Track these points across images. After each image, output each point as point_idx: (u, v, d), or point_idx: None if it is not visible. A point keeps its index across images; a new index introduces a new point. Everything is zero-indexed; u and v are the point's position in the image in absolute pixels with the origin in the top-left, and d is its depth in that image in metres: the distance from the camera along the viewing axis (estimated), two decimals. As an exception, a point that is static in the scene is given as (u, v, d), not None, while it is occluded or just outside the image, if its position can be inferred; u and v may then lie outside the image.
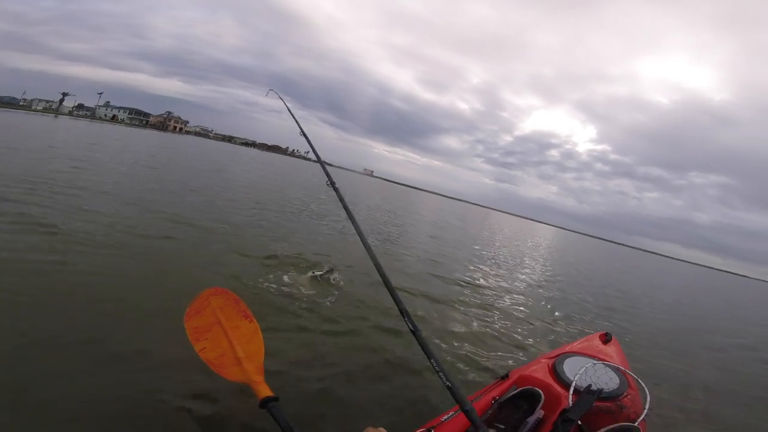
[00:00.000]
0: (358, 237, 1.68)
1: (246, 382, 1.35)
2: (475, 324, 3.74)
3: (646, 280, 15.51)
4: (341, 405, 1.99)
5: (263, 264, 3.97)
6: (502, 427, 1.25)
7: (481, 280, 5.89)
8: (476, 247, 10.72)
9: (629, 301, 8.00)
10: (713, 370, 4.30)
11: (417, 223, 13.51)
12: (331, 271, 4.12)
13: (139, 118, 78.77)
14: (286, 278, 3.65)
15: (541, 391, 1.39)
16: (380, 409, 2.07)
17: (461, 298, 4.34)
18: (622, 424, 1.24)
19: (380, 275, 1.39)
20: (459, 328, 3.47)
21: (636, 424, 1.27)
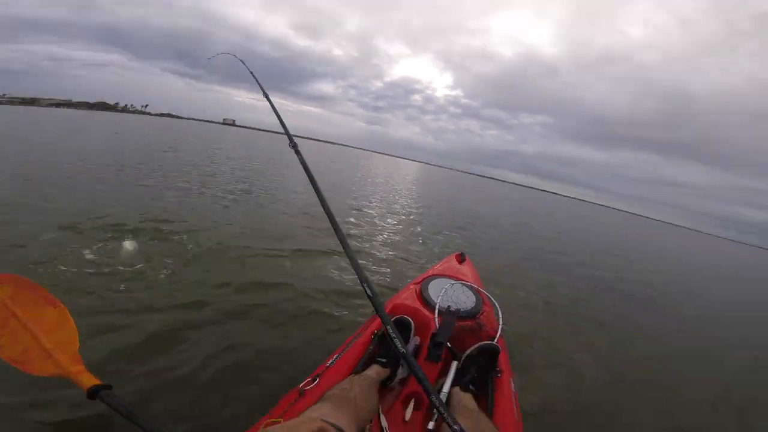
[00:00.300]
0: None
1: (63, 374, 1.21)
2: (350, 270, 3.64)
3: (490, 202, 18.62)
4: (184, 386, 1.69)
5: (70, 239, 2.94)
6: (384, 360, 1.25)
7: (355, 225, 5.83)
8: (353, 188, 10.71)
9: (480, 224, 9.30)
10: (548, 283, 4.90)
11: (288, 170, 12.62)
12: (165, 238, 3.36)
13: None
14: (101, 252, 2.78)
15: (410, 319, 1.39)
16: (230, 384, 1.75)
17: (335, 248, 4.17)
18: (483, 342, 1.29)
19: (341, 242, 1.26)
20: (335, 279, 3.26)
21: (495, 342, 1.34)
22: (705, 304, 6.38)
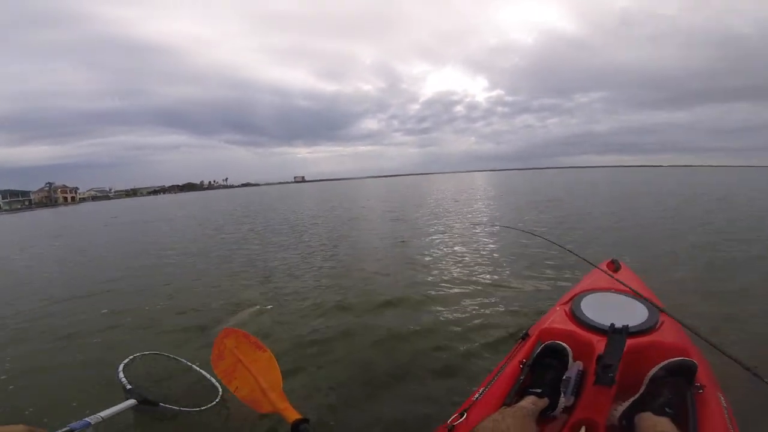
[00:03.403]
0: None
1: (275, 411, 1.36)
2: (472, 301, 3.08)
3: (595, 194, 16.41)
4: (365, 417, 1.74)
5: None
6: (540, 391, 1.13)
7: (461, 254, 5.24)
8: (417, 216, 10.23)
9: (613, 220, 7.51)
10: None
11: (368, 213, 12.64)
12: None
13: (18, 200, 67.10)
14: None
15: (564, 344, 1.26)
16: (408, 413, 1.74)
17: (426, 291, 3.58)
18: (672, 360, 1.10)
19: None
20: (465, 306, 2.87)
21: (691, 358, 1.10)
22: None
